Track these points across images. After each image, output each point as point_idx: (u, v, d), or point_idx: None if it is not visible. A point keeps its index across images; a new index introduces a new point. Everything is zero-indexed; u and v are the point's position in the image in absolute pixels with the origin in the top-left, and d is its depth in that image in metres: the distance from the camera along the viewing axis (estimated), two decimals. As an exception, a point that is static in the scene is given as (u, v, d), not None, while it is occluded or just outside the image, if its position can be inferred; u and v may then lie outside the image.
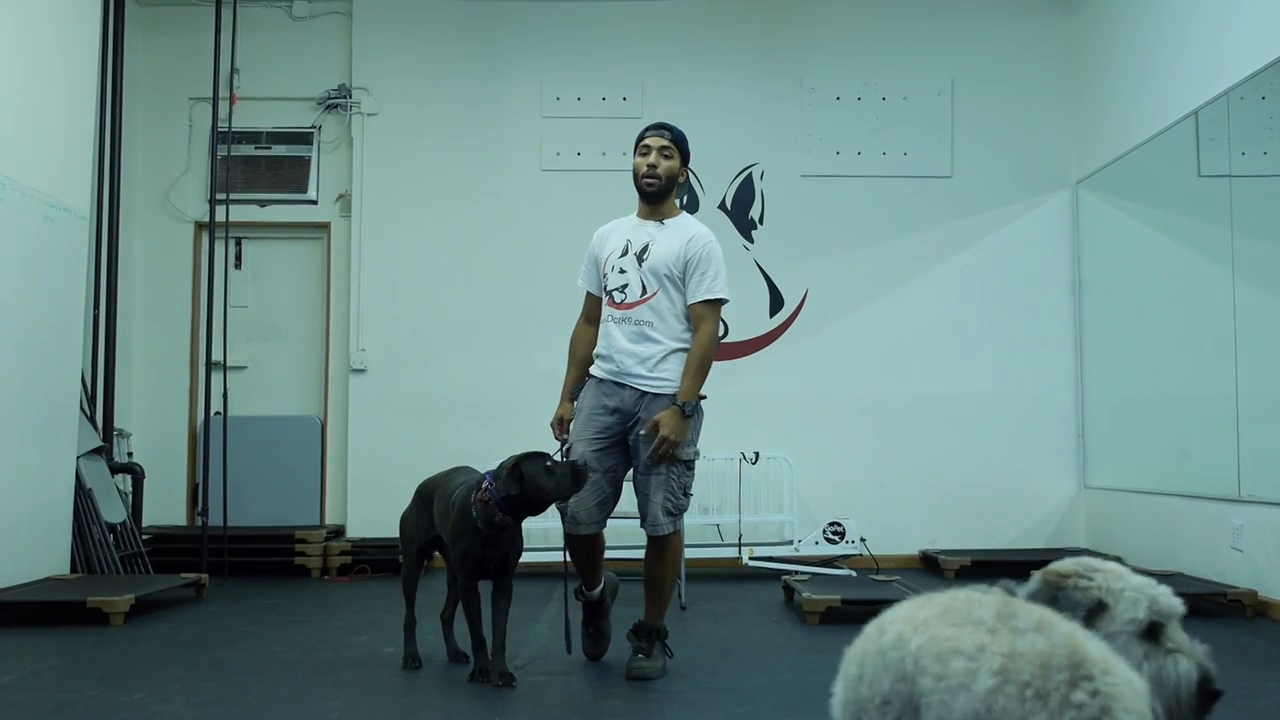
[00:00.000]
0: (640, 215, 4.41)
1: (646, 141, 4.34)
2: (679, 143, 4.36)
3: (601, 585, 4.47)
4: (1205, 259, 6.70)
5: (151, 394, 8.12)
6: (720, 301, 4.27)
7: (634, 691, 3.98)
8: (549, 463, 3.89)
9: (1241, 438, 6.10)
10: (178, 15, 8.20)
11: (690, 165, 8.13)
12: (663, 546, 4.24)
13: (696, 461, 4.30)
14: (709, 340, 4.23)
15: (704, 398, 4.32)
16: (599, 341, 4.35)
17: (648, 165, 4.30)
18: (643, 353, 4.22)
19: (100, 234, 7.30)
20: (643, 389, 4.21)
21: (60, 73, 6.42)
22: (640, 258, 4.27)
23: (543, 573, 7.13)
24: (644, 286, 4.24)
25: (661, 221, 4.34)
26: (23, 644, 4.90)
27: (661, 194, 4.34)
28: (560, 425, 4.37)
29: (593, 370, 4.36)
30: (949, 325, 8.10)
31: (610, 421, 4.23)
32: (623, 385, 4.23)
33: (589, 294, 4.50)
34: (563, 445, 4.32)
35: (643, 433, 4.15)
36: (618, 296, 4.29)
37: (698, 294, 4.23)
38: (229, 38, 7.57)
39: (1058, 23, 8.25)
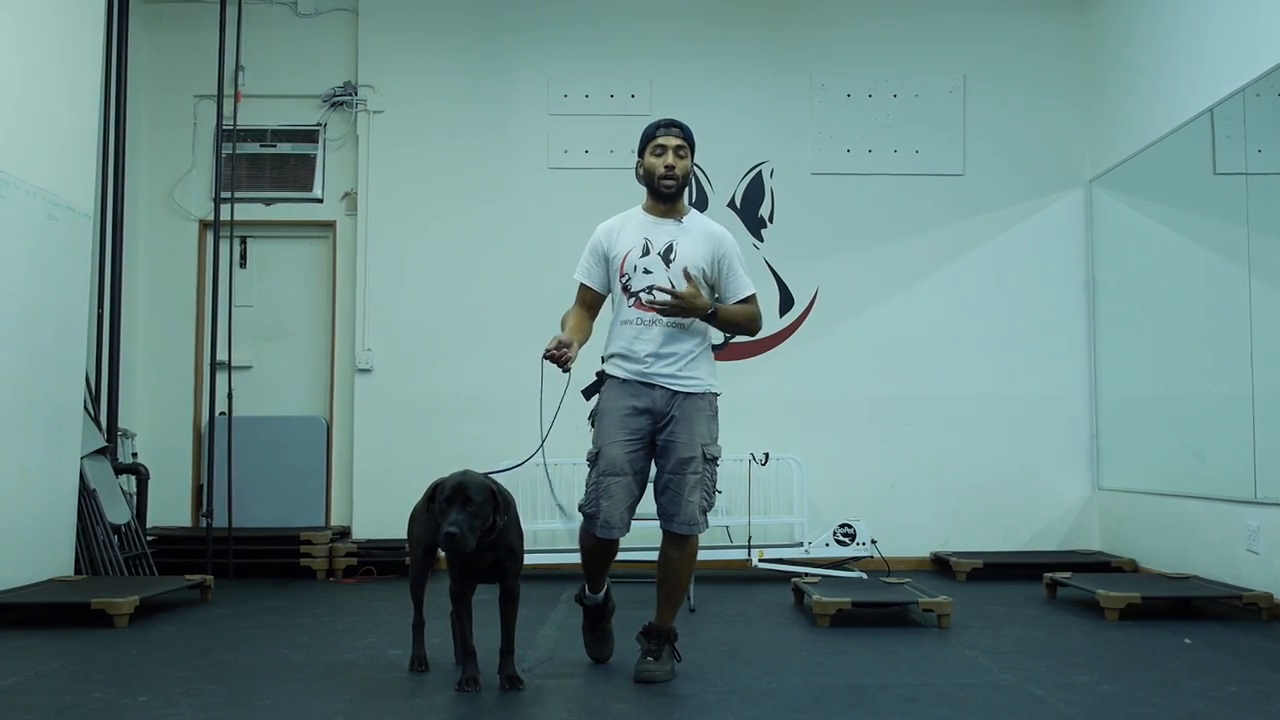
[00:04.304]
0: (652, 212, 4.33)
1: (660, 141, 4.27)
2: (690, 141, 4.32)
3: (605, 588, 4.43)
4: (1221, 257, 6.63)
5: (156, 394, 8.09)
6: (755, 294, 4.32)
7: (642, 694, 3.93)
8: (442, 510, 3.78)
9: (1258, 439, 6.04)
10: (182, 12, 8.18)
11: (699, 163, 8.16)
12: (686, 544, 4.19)
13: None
14: (758, 315, 4.32)
15: (719, 394, 4.28)
16: (618, 342, 4.26)
17: (665, 166, 4.24)
18: (675, 352, 4.18)
19: (104, 232, 7.28)
20: (674, 389, 4.17)
21: (64, 70, 6.38)
22: (666, 258, 4.22)
23: (549, 574, 7.10)
24: (673, 287, 4.18)
25: (680, 220, 4.30)
26: (26, 646, 4.86)
27: (677, 193, 4.29)
28: (560, 342, 4.05)
29: (614, 371, 4.28)
30: (961, 325, 8.05)
31: (641, 423, 4.17)
32: (651, 385, 4.18)
33: (585, 286, 4.39)
34: (563, 365, 4.06)
35: (680, 280, 4.08)
36: (645, 298, 4.23)
37: (737, 293, 4.26)
38: (234, 34, 7.59)
39: (1071, 19, 8.20)
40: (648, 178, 4.29)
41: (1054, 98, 8.18)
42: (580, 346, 4.22)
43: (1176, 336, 7.08)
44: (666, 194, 4.26)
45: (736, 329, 4.31)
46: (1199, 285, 6.87)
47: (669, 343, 4.18)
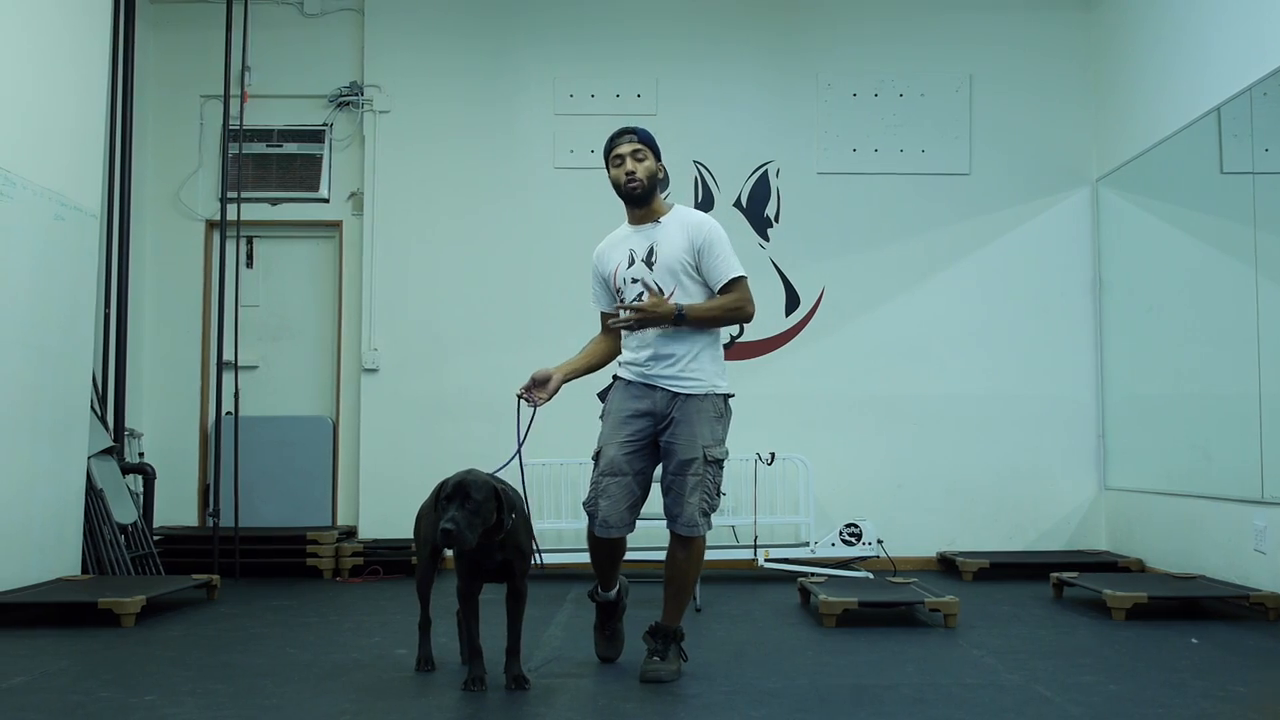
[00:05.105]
0: (633, 222, 4.38)
1: (618, 151, 4.30)
2: (648, 142, 4.32)
3: (617, 587, 4.45)
4: (1227, 256, 6.62)
5: (162, 394, 8.10)
6: (744, 278, 4.26)
7: (648, 694, 3.93)
8: (442, 507, 3.78)
9: (1265, 438, 6.02)
10: (189, 12, 8.19)
11: (705, 163, 8.16)
12: (691, 545, 4.20)
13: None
14: (742, 300, 4.23)
15: (731, 395, 4.29)
16: (624, 351, 4.34)
17: (625, 173, 4.27)
18: (673, 353, 4.19)
19: (111, 233, 7.30)
20: (675, 390, 4.18)
21: (70, 70, 6.39)
22: (649, 262, 4.24)
23: (556, 574, 7.10)
24: (660, 289, 4.20)
25: (658, 220, 4.32)
26: (34, 645, 4.87)
27: (648, 195, 4.30)
28: (533, 380, 4.24)
29: (620, 372, 4.33)
30: (967, 324, 8.04)
31: (642, 425, 4.20)
32: (653, 387, 4.20)
33: (602, 312, 4.49)
34: (529, 400, 4.22)
35: (634, 299, 4.09)
36: (619, 318, 4.26)
37: (720, 276, 4.21)
38: (240, 35, 7.59)
39: (1077, 18, 8.18)
40: (616, 190, 4.33)
41: (1060, 97, 8.16)
42: (580, 374, 4.39)
43: (1183, 336, 7.06)
44: (635, 198, 4.29)
45: (716, 323, 4.25)
46: (1206, 284, 6.85)
47: (668, 344, 4.19)
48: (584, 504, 4.29)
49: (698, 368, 4.20)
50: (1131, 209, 7.66)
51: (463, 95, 8.18)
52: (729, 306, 4.22)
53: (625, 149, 4.28)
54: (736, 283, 4.24)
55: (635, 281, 4.25)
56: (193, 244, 8.21)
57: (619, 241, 4.38)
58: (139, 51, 7.62)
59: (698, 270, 4.23)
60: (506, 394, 8.06)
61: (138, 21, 7.53)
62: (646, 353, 4.21)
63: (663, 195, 4.41)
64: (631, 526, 4.26)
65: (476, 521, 3.75)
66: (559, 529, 7.46)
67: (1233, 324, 6.39)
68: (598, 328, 4.53)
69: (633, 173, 4.25)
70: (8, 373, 5.77)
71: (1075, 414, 7.99)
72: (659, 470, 4.31)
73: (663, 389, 4.19)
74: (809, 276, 8.10)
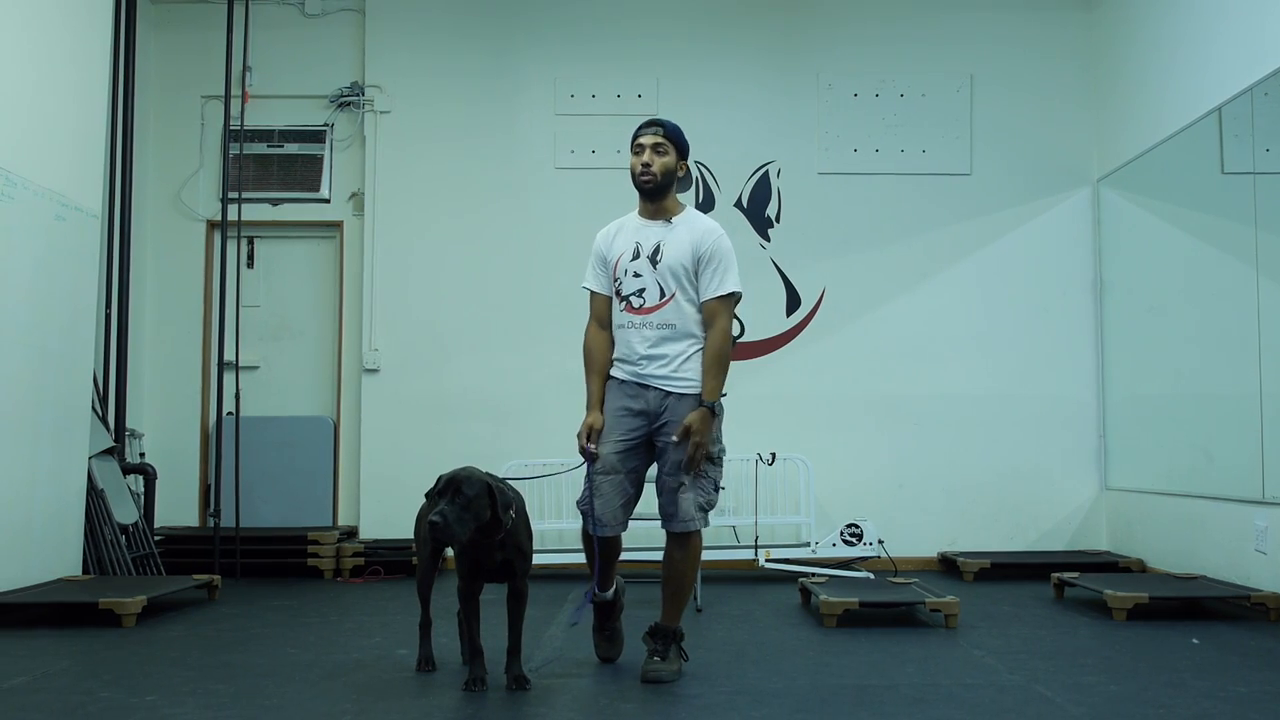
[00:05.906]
0: (643, 214, 4.36)
1: (640, 140, 4.30)
2: (673, 138, 4.30)
3: (615, 586, 4.45)
4: (1228, 257, 6.62)
5: (163, 394, 8.10)
6: (733, 296, 4.24)
7: (649, 694, 3.93)
8: (433, 502, 3.78)
9: (1266, 438, 6.02)
10: (190, 12, 8.19)
11: (706, 163, 8.16)
12: (688, 544, 4.20)
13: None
14: (723, 338, 4.21)
15: (724, 395, 4.28)
16: (617, 347, 4.31)
17: (642, 164, 4.26)
18: (666, 354, 4.19)
19: (112, 233, 7.30)
20: (667, 389, 4.18)
21: (71, 71, 6.40)
22: (654, 260, 4.23)
23: (557, 574, 7.10)
24: (662, 289, 4.21)
25: (669, 220, 4.30)
26: (34, 646, 4.87)
27: (660, 190, 4.28)
28: (589, 434, 4.23)
29: (613, 372, 4.32)
30: (968, 324, 8.04)
31: (635, 424, 4.21)
32: (646, 386, 4.20)
33: (596, 295, 4.41)
34: (590, 458, 4.20)
35: (674, 439, 4.10)
36: (635, 301, 4.25)
37: (709, 291, 4.20)
38: (241, 35, 7.60)
39: (1078, 18, 8.18)
40: (631, 178, 4.31)
41: (1061, 97, 8.16)
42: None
43: (1184, 336, 7.06)
44: (646, 190, 4.28)
45: (723, 368, 4.20)
46: (1207, 284, 6.85)
47: (661, 344, 4.19)
48: (578, 503, 4.29)
49: (690, 367, 4.20)
50: (1132, 209, 7.66)
51: (463, 95, 8.18)
52: (716, 354, 4.17)
53: (648, 140, 4.27)
54: (721, 301, 4.18)
55: (638, 275, 4.24)
56: (193, 244, 8.21)
57: (628, 231, 4.35)
58: (140, 52, 7.63)
59: (696, 277, 4.23)
60: (508, 394, 8.12)
61: (139, 22, 7.54)
62: (640, 351, 4.21)
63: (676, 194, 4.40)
64: (625, 525, 4.26)
65: (467, 517, 3.73)
66: (559, 529, 7.46)
67: (1233, 324, 6.39)
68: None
69: (648, 165, 4.24)
70: (9, 373, 5.77)
71: (1076, 414, 7.99)
72: (652, 470, 4.31)
73: (656, 388, 4.19)
74: (810, 277, 8.10)
